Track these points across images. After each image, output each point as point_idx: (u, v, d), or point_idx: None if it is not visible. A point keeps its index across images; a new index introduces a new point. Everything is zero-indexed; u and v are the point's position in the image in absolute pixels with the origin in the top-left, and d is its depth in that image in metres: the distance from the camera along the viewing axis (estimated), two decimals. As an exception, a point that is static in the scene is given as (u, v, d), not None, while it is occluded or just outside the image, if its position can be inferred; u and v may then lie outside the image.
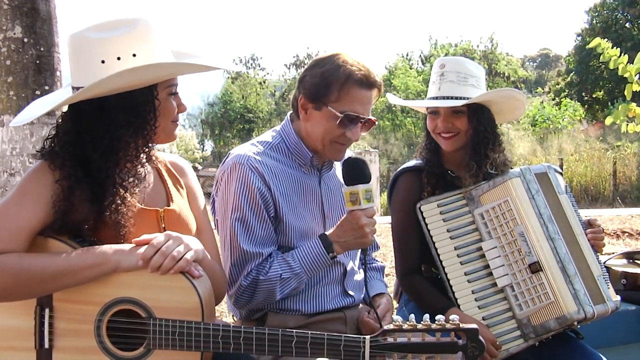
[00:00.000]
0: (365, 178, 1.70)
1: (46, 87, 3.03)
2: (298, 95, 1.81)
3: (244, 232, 1.72)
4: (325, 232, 1.76)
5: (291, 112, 1.91)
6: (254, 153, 1.78)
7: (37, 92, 3.00)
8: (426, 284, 2.08)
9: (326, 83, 1.73)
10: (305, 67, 1.85)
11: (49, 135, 1.50)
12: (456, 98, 2.08)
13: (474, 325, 1.38)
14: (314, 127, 1.79)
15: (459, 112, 2.09)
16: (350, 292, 1.90)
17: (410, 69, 28.16)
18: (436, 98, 2.12)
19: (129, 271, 1.39)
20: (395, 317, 1.39)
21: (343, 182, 1.75)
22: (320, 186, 1.90)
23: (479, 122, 2.09)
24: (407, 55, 30.59)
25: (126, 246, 1.41)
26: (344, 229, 1.73)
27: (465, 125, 2.10)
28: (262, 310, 1.82)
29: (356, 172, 1.71)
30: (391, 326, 1.37)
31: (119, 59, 1.42)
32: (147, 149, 1.53)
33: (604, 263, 2.46)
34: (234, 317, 1.96)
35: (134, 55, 1.43)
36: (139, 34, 1.45)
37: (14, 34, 2.99)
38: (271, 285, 1.72)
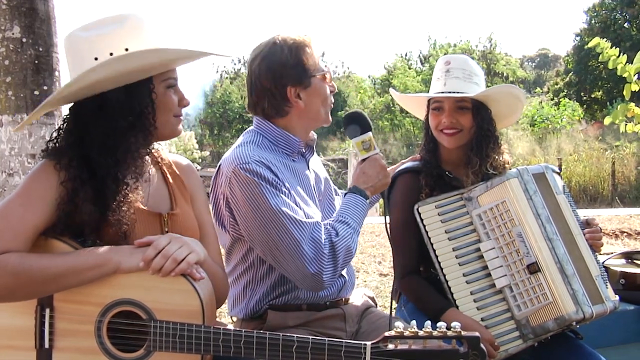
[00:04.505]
0: (370, 126, 1.85)
1: (45, 87, 3.04)
2: (282, 90, 1.79)
3: (293, 211, 1.68)
4: (354, 184, 1.82)
5: (257, 116, 1.88)
6: (249, 151, 1.74)
7: (36, 92, 3.01)
8: (425, 284, 2.08)
9: (300, 60, 1.79)
10: (261, 66, 1.79)
11: (52, 134, 1.50)
12: (461, 93, 2.09)
13: (476, 333, 1.37)
14: (310, 105, 1.83)
15: (463, 109, 2.10)
16: (343, 273, 1.91)
17: (409, 69, 28.11)
18: (442, 93, 2.12)
19: (130, 272, 1.39)
20: (397, 323, 1.39)
21: (349, 135, 1.86)
22: (309, 170, 1.93)
23: (482, 119, 2.10)
24: (405, 55, 30.54)
25: (128, 247, 1.41)
26: (367, 174, 1.82)
27: (469, 122, 2.10)
28: (261, 309, 1.82)
29: (362, 121, 1.84)
30: (392, 333, 1.37)
31: (111, 54, 1.43)
32: (147, 144, 1.52)
33: (603, 263, 2.47)
34: (233, 319, 1.95)
35: (127, 49, 1.44)
36: (130, 29, 1.46)
37: (13, 34, 2.99)
38: (347, 242, 1.71)
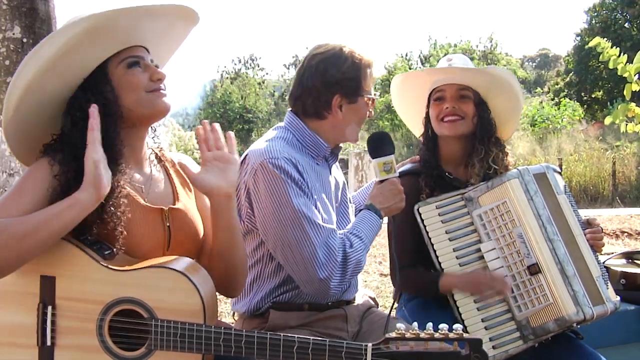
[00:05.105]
0: (394, 148, 1.87)
1: (45, 87, 3.03)
2: (329, 96, 1.81)
3: (313, 214, 1.70)
4: (371, 202, 1.84)
5: (290, 111, 1.91)
6: (279, 147, 1.76)
7: (36, 93, 3.00)
8: (418, 270, 2.07)
9: (358, 77, 1.83)
10: (319, 66, 1.81)
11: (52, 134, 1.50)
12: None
13: (478, 336, 1.37)
14: (347, 119, 1.85)
15: (465, 98, 2.11)
16: None
17: (410, 69, 28.13)
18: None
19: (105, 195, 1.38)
20: (398, 325, 1.39)
21: (370, 155, 1.87)
22: (331, 176, 1.94)
23: (483, 110, 2.11)
24: (406, 55, 30.57)
25: (86, 183, 1.37)
26: (385, 195, 1.84)
27: (471, 110, 2.11)
28: (265, 306, 1.82)
29: (386, 143, 1.86)
30: (394, 334, 1.36)
31: None
32: (118, 126, 1.49)
33: (603, 263, 2.47)
34: (234, 317, 1.95)
35: None
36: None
37: (13, 34, 2.99)
38: (359, 255, 1.74)
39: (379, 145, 1.86)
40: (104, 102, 1.45)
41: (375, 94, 1.90)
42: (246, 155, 1.80)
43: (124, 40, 1.50)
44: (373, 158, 1.87)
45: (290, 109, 1.92)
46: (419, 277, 2.08)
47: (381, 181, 1.86)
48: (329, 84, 1.81)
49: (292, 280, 1.79)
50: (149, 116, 1.55)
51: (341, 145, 1.98)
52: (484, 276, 1.97)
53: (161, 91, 1.54)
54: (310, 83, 1.82)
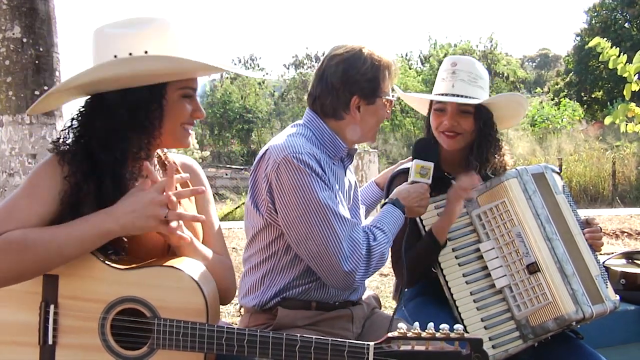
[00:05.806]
0: (436, 158, 1.96)
1: (45, 87, 3.04)
2: (348, 96, 1.82)
3: (338, 208, 1.72)
4: (397, 197, 1.89)
5: (309, 109, 1.91)
6: (302, 143, 1.77)
7: (36, 92, 3.01)
8: (414, 250, 2.04)
9: (377, 78, 1.83)
10: (338, 67, 1.82)
11: (60, 132, 1.52)
12: (466, 97, 2.09)
13: (479, 336, 1.38)
14: (365, 120, 1.86)
15: (466, 112, 2.10)
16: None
17: (410, 69, 28.11)
18: (446, 95, 2.12)
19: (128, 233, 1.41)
20: (400, 324, 1.40)
21: (413, 155, 1.96)
22: (346, 177, 1.94)
23: (484, 124, 2.10)
24: (406, 55, 30.60)
25: (120, 209, 1.40)
26: (411, 195, 1.90)
27: (470, 126, 2.10)
28: (274, 302, 1.81)
29: (432, 150, 1.97)
30: (395, 334, 1.37)
31: (130, 54, 1.45)
32: (149, 147, 1.52)
33: (603, 263, 2.47)
34: (241, 310, 1.94)
35: (146, 52, 1.45)
36: (154, 32, 1.47)
37: (13, 34, 3.00)
38: (382, 248, 1.75)
39: (425, 150, 1.94)
40: (149, 118, 1.47)
41: (393, 95, 1.90)
42: (266, 150, 1.80)
43: (188, 75, 1.54)
44: (415, 158, 1.92)
45: (308, 107, 1.92)
46: (416, 249, 2.03)
47: (413, 182, 1.91)
48: (347, 84, 1.81)
49: (306, 276, 1.79)
50: (170, 146, 1.61)
51: (357, 147, 1.98)
52: (454, 192, 2.01)
53: (190, 129, 1.59)
54: (329, 83, 1.83)
